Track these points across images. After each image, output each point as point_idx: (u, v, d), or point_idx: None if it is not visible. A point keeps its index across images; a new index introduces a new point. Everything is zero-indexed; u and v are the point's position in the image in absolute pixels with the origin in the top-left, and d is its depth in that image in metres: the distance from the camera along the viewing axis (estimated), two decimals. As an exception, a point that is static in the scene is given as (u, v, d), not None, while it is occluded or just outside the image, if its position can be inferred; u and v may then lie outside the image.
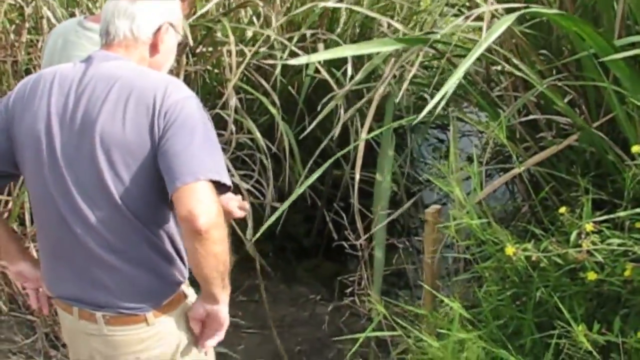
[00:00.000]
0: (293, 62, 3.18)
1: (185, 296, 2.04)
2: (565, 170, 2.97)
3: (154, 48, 2.00)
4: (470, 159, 3.93)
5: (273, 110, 3.78)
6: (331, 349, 3.61)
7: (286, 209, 3.08)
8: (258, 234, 3.10)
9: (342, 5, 3.95)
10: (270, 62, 3.97)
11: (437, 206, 3.00)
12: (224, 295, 1.96)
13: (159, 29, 1.99)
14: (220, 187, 1.87)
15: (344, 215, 3.51)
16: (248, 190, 3.65)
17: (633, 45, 2.67)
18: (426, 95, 4.59)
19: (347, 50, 3.42)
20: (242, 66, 3.67)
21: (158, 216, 1.94)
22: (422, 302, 3.02)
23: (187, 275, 2.03)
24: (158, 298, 1.98)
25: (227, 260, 1.89)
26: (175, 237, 1.98)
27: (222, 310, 1.99)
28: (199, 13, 3.84)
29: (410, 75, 2.94)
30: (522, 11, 2.46)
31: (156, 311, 1.97)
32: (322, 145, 3.65)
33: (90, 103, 1.89)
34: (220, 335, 2.04)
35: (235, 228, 3.57)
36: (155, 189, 1.88)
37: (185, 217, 1.80)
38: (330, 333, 3.65)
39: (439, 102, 2.21)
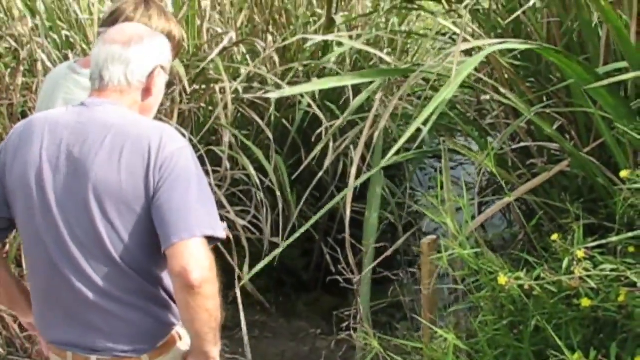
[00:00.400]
0: (272, 95, 3.22)
1: (180, 337, 2.04)
2: (558, 197, 2.98)
3: (147, 92, 2.01)
4: (467, 188, 3.94)
5: (261, 156, 3.80)
6: (330, 383, 3.59)
7: (285, 245, 3.08)
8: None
9: (332, 38, 3.99)
10: (249, 96, 4.00)
11: (433, 237, 2.99)
12: (215, 351, 1.97)
13: (151, 73, 2.00)
14: (213, 239, 1.89)
15: (339, 249, 3.50)
16: (244, 226, 3.65)
17: (620, 71, 2.69)
18: (421, 126, 4.60)
19: (329, 83, 3.46)
20: (230, 104, 3.70)
21: (150, 263, 1.94)
22: (422, 334, 3.00)
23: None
24: (153, 340, 1.98)
25: (218, 317, 1.91)
26: (169, 282, 1.97)
27: None
28: (203, 65, 3.87)
29: (390, 108, 2.96)
30: (495, 47, 2.48)
31: (151, 353, 1.97)
32: (316, 180, 3.67)
33: (84, 151, 1.90)
34: None
35: (234, 265, 3.57)
36: (148, 237, 1.89)
37: (179, 272, 1.82)
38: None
39: (417, 135, 2.23)
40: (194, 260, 1.81)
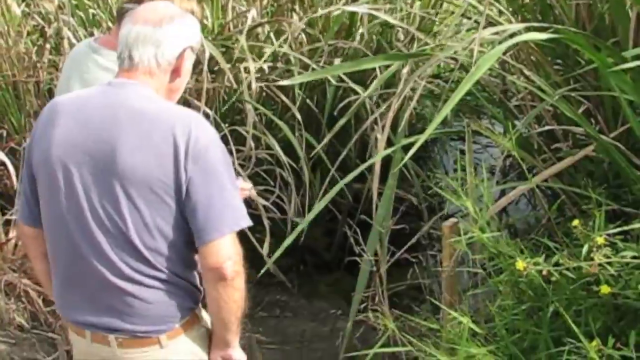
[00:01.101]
0: (289, 82, 3.25)
1: (198, 318, 2.06)
2: (582, 181, 2.93)
3: (176, 73, 1.98)
4: (491, 172, 3.90)
5: (289, 133, 3.80)
6: (350, 364, 3.58)
7: (307, 224, 3.09)
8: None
9: (361, 10, 3.95)
10: (264, 83, 4.00)
11: (454, 219, 2.97)
12: (235, 340, 2.04)
13: (181, 54, 1.97)
14: None
15: (359, 230, 3.48)
16: (265, 206, 3.65)
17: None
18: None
19: (342, 68, 3.48)
20: (254, 83, 3.69)
21: (171, 248, 1.94)
22: (441, 317, 2.99)
23: (200, 298, 2.05)
24: (172, 321, 1.99)
25: (243, 306, 1.98)
26: (190, 267, 2.00)
27: (235, 353, 2.06)
28: (236, 53, 3.86)
29: (418, 92, 2.93)
30: (513, 41, 2.43)
31: (170, 333, 1.99)
32: (340, 159, 3.65)
33: (112, 135, 1.88)
34: None
35: (255, 244, 3.57)
36: (171, 224, 1.91)
37: (213, 267, 1.90)
38: (349, 348, 3.63)
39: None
40: (227, 256, 1.89)
